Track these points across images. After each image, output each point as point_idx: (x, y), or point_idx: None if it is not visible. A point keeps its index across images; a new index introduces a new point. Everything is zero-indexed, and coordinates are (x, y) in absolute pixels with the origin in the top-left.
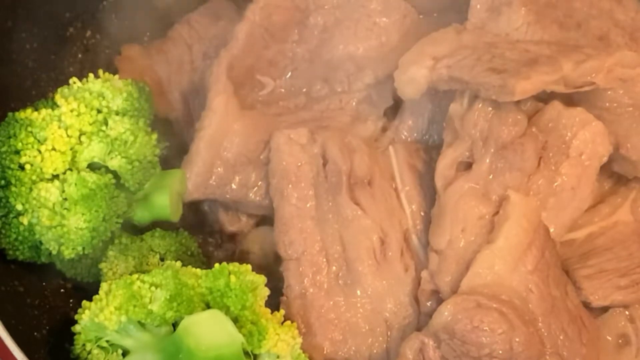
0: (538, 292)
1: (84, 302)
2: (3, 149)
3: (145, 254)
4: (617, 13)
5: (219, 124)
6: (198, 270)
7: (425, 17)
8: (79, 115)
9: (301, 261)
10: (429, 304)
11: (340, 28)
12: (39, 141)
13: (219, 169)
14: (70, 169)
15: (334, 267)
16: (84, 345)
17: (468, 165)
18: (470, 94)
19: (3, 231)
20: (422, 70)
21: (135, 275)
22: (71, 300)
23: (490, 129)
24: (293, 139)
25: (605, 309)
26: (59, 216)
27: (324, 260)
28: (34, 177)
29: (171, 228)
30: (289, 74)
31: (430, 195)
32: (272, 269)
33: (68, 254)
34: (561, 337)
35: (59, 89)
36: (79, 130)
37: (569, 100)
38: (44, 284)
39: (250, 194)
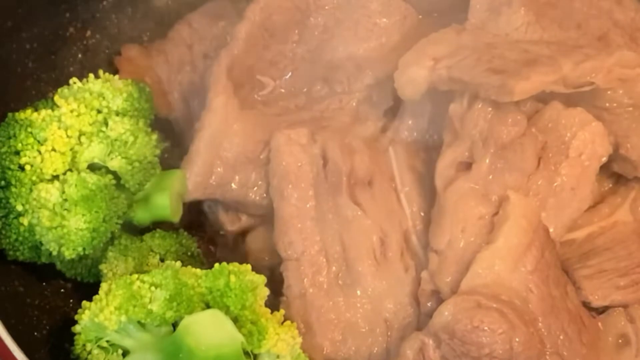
0: (538, 292)
1: (84, 302)
2: (3, 150)
3: (145, 255)
4: (616, 13)
5: (219, 124)
6: (198, 270)
7: (425, 17)
8: (78, 115)
9: (301, 261)
10: (429, 304)
11: (341, 29)
12: (39, 142)
13: (219, 169)
14: (71, 170)
15: (333, 268)
16: (84, 345)
17: (468, 166)
18: (470, 94)
19: (3, 232)
20: (421, 71)
21: (135, 276)
22: (71, 300)
23: (490, 129)
24: (293, 139)
25: (605, 309)
26: (59, 217)
27: (324, 260)
28: (34, 178)
29: (171, 228)
30: (289, 74)
31: (430, 195)
32: (272, 268)
33: (68, 254)
34: (561, 337)
35: (59, 89)
36: (79, 131)
37: (569, 100)
38: (44, 284)
39: (250, 194)
